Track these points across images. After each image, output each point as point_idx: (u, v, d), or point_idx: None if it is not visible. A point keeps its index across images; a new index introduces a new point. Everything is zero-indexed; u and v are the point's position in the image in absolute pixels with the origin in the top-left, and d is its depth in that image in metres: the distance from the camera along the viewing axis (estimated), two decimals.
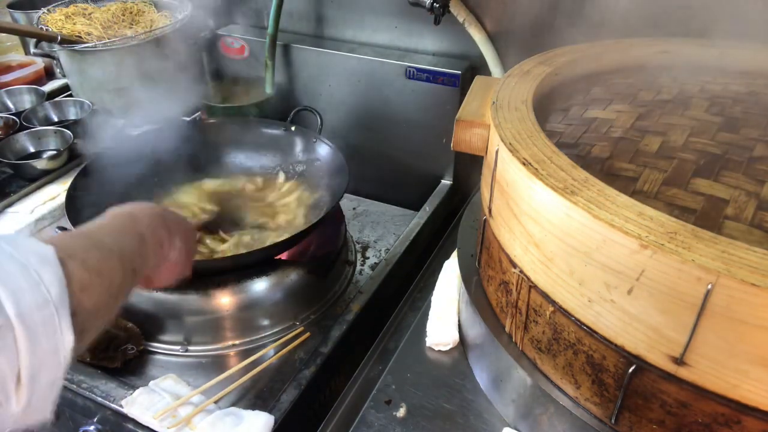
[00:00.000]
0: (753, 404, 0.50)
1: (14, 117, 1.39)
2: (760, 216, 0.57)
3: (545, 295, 0.63)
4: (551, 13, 1.16)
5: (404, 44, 1.38)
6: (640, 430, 0.60)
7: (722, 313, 0.47)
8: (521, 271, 0.66)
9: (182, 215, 0.78)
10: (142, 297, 0.95)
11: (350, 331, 1.00)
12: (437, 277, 0.95)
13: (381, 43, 1.41)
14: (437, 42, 1.34)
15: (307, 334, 0.99)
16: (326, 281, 1.09)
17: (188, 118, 1.40)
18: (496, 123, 0.68)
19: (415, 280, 1.01)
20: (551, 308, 0.63)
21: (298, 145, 1.25)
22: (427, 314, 0.89)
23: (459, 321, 0.87)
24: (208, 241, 1.07)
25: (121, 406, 0.84)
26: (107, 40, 1.28)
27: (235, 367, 0.92)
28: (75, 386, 0.88)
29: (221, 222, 1.11)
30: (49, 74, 1.68)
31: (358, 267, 1.18)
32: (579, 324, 0.60)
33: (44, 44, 1.35)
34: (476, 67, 1.29)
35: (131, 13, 1.42)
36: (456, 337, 0.85)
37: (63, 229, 0.97)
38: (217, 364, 0.95)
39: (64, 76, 1.57)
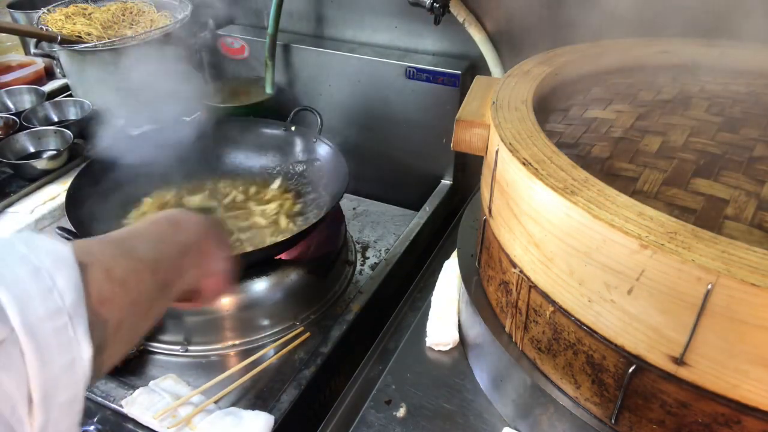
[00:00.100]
0: (753, 404, 0.50)
1: (14, 117, 1.39)
2: (760, 216, 0.57)
3: (545, 295, 0.63)
4: (551, 13, 1.16)
5: (404, 44, 1.38)
6: (640, 430, 0.60)
7: (722, 313, 0.47)
8: (521, 271, 0.66)
9: (227, 226, 0.72)
10: None
11: (350, 331, 1.00)
12: (437, 277, 0.95)
13: (381, 43, 1.41)
14: (437, 42, 1.34)
15: (307, 334, 0.99)
16: (326, 281, 1.09)
17: (188, 118, 1.40)
18: (496, 123, 0.68)
19: (415, 280, 1.01)
20: (551, 308, 0.63)
21: (298, 145, 1.25)
22: (427, 314, 0.89)
23: (459, 321, 0.87)
24: None
25: (121, 406, 0.84)
26: (107, 40, 1.28)
27: (235, 367, 0.92)
28: None
29: None
30: (49, 74, 1.68)
31: (358, 267, 1.18)
32: (579, 324, 0.60)
33: (44, 44, 1.35)
34: (476, 67, 1.29)
35: (131, 13, 1.42)
36: (456, 337, 0.85)
37: (63, 229, 0.96)
38: (217, 364, 0.95)
39: (64, 76, 1.56)
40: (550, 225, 0.58)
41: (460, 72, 1.26)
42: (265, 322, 1.00)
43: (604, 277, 0.54)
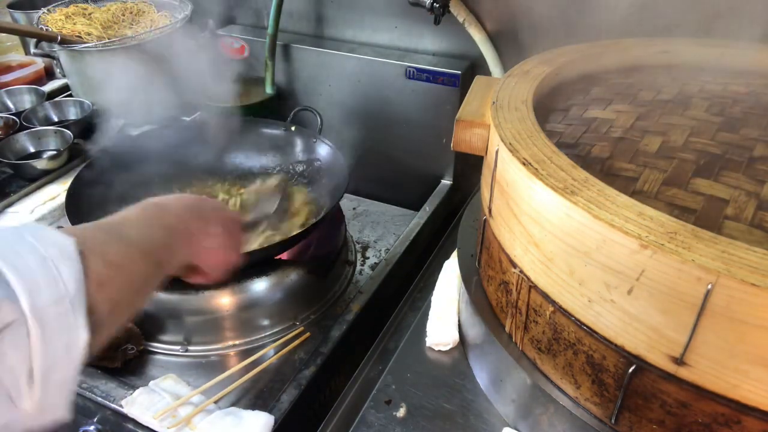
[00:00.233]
0: (753, 404, 0.50)
1: (14, 117, 1.39)
2: (760, 216, 0.57)
3: (545, 295, 0.63)
4: (551, 13, 1.16)
5: (404, 44, 1.38)
6: (640, 430, 0.60)
7: (722, 313, 0.47)
8: (521, 271, 0.66)
9: (220, 204, 0.76)
10: None
11: (350, 331, 1.00)
12: (437, 277, 0.95)
13: (381, 43, 1.41)
14: (437, 42, 1.34)
15: (307, 334, 0.99)
16: (326, 281, 1.09)
17: (188, 118, 1.40)
18: (496, 123, 0.68)
19: (415, 280, 1.01)
20: (551, 308, 0.63)
21: (298, 145, 1.25)
22: (427, 314, 0.89)
23: (459, 321, 0.87)
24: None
25: (121, 406, 0.84)
26: (107, 40, 1.28)
27: (235, 367, 0.92)
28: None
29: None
30: (49, 74, 1.68)
31: (358, 267, 1.18)
32: (579, 324, 0.60)
33: (44, 44, 1.35)
34: (476, 67, 1.29)
35: (131, 13, 1.42)
36: (456, 337, 0.85)
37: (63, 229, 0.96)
38: (217, 364, 0.95)
39: (64, 76, 1.57)
40: (550, 225, 0.58)
41: (460, 72, 1.26)
42: (265, 322, 1.00)
43: (604, 277, 0.54)
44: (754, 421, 0.51)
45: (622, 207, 0.54)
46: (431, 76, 1.29)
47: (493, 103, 0.73)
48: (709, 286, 0.46)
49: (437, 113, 1.32)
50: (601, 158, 0.68)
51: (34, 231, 0.46)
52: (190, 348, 0.97)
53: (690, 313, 0.49)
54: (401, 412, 0.76)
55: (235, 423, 0.81)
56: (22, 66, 1.67)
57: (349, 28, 1.43)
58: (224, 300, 0.96)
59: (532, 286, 0.64)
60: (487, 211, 0.74)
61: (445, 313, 0.88)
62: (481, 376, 0.80)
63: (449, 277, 0.93)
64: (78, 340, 0.45)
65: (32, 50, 1.37)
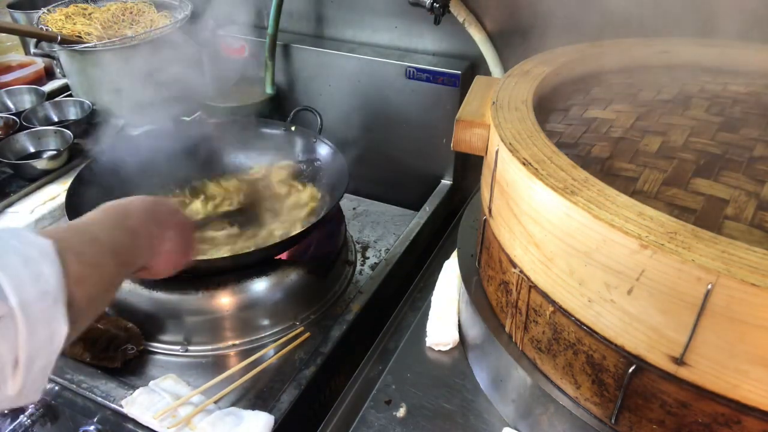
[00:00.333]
0: (753, 404, 0.50)
1: (14, 117, 1.39)
2: (760, 216, 0.57)
3: (545, 295, 0.63)
4: (551, 13, 1.16)
5: (404, 44, 1.38)
6: (640, 430, 0.60)
7: (722, 313, 0.47)
8: (521, 271, 0.66)
9: (176, 207, 0.78)
10: (142, 297, 0.95)
11: (350, 331, 1.00)
12: (437, 277, 0.95)
13: (381, 43, 1.41)
14: (437, 42, 1.34)
15: (307, 334, 0.99)
16: (326, 281, 1.09)
17: (188, 118, 1.40)
18: (496, 123, 0.68)
19: (415, 280, 1.01)
20: (551, 308, 0.63)
21: (298, 145, 1.25)
22: (427, 314, 0.89)
23: (459, 321, 0.87)
24: (222, 233, 1.06)
25: (121, 406, 0.84)
26: (107, 40, 1.28)
27: (235, 367, 0.92)
28: (75, 386, 0.88)
29: (242, 216, 1.10)
30: (49, 74, 1.68)
31: (358, 267, 1.18)
32: (579, 324, 0.60)
33: (44, 44, 1.35)
34: (476, 67, 1.29)
35: (131, 13, 1.42)
36: (456, 337, 0.85)
37: None
38: (217, 364, 0.95)
39: (64, 76, 1.57)
40: (550, 225, 0.58)
41: (460, 72, 1.26)
42: (265, 322, 1.00)
43: (604, 277, 0.54)
44: (754, 421, 0.51)
45: (622, 207, 0.54)
46: (431, 76, 1.29)
47: (493, 103, 0.73)
48: (709, 286, 0.46)
49: (437, 113, 1.32)
50: (601, 158, 0.68)
51: (15, 233, 0.51)
52: (190, 348, 0.97)
53: (690, 313, 0.49)
54: (401, 412, 0.76)
55: (235, 423, 0.81)
56: (22, 66, 1.67)
57: (349, 28, 1.43)
58: (224, 300, 0.96)
59: (532, 286, 0.64)
60: (487, 211, 0.74)
61: (445, 313, 0.88)
62: (481, 376, 0.80)
63: (449, 277, 0.93)
64: (59, 330, 0.50)
65: (32, 50, 1.37)
